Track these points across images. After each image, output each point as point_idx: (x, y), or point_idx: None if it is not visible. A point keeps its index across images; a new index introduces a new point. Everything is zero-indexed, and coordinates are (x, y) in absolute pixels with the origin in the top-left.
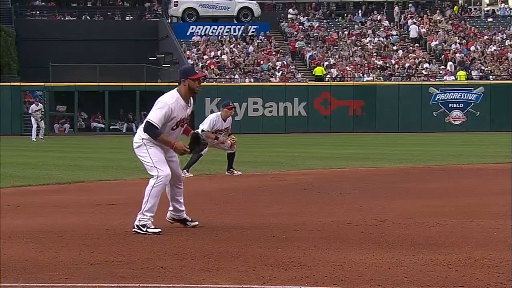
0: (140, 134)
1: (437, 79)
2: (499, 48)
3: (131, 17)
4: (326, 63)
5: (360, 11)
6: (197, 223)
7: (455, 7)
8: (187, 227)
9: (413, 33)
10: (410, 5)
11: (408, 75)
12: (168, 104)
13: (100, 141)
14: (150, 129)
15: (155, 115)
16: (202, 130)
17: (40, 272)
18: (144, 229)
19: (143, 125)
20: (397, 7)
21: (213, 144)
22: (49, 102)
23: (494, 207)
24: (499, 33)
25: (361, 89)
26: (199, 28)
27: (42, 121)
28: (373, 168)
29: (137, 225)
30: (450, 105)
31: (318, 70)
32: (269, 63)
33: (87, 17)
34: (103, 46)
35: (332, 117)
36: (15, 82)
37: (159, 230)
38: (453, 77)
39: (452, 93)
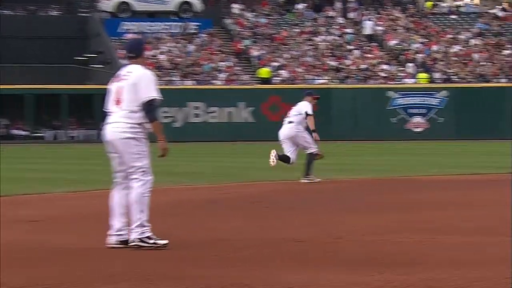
0: (127, 122)
1: (395, 82)
2: (463, 48)
3: (57, 12)
4: (275, 63)
5: (305, 5)
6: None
7: (428, 2)
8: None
9: (367, 30)
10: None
11: (364, 77)
12: (154, 76)
13: (22, 151)
14: (156, 107)
15: (155, 90)
16: (308, 114)
17: None
18: (151, 241)
19: (141, 105)
20: (339, 3)
21: (303, 142)
22: None
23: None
24: (464, 32)
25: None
26: (134, 25)
27: None
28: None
29: (140, 239)
30: (410, 110)
31: (264, 72)
32: (211, 64)
33: (10, 12)
34: (25, 43)
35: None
36: None
37: (167, 241)
38: (413, 80)
39: (413, 97)
